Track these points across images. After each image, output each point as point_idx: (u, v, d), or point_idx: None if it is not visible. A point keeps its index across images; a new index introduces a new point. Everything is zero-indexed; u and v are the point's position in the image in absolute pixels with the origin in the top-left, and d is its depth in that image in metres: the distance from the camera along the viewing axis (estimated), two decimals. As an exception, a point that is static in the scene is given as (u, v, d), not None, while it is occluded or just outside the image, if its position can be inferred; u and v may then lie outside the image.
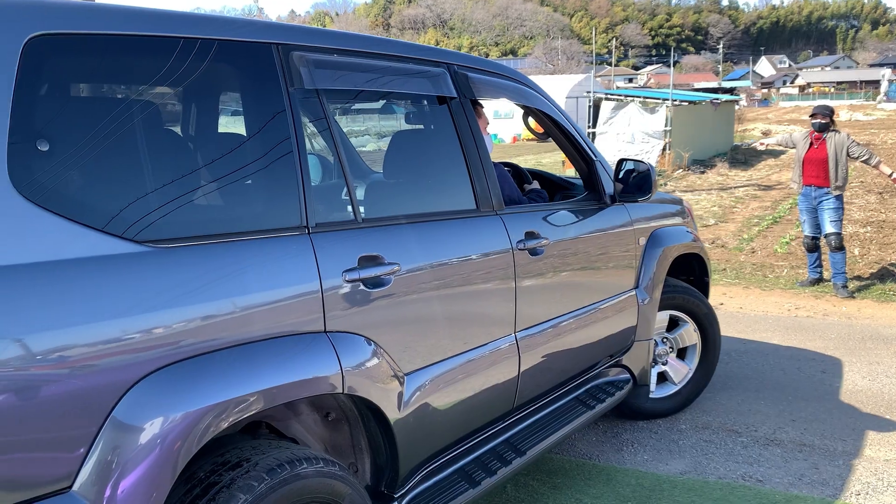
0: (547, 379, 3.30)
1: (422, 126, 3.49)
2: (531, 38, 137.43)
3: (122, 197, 1.86)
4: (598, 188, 3.69)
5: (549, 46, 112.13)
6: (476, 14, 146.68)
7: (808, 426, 4.18)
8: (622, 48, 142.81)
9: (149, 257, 1.81)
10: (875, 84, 73.11)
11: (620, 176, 3.76)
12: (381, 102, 4.08)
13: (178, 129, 2.51)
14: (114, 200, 1.84)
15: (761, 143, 8.62)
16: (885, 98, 53.87)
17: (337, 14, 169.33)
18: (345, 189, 2.41)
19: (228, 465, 1.95)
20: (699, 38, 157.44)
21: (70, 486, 1.61)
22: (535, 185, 4.01)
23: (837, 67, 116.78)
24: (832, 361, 5.30)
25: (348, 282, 2.23)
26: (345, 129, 2.94)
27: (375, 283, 2.31)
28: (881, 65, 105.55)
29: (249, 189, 2.17)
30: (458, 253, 2.68)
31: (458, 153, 2.87)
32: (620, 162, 3.83)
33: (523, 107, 3.57)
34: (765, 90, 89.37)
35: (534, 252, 3.04)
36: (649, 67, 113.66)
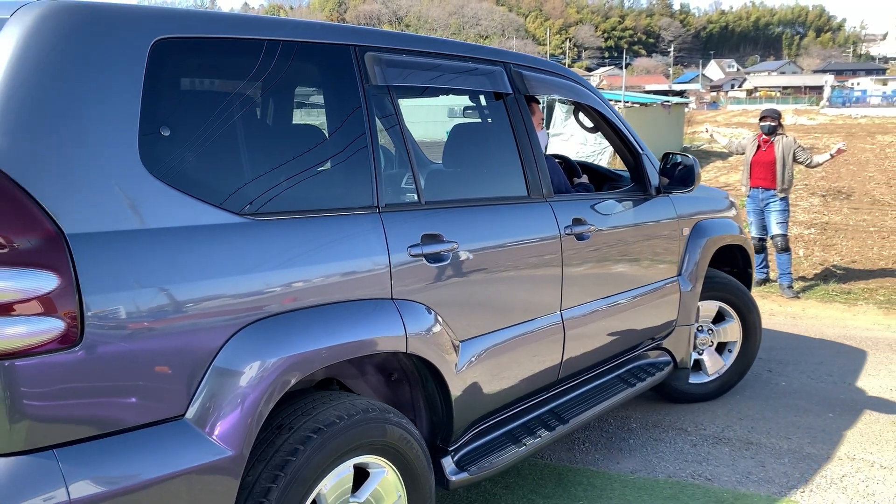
0: (590, 355, 3.52)
1: (479, 119, 3.74)
2: (486, 37, 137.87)
3: (227, 176, 2.20)
4: (644, 180, 3.91)
5: (504, 46, 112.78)
6: (432, 12, 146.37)
7: (754, 424, 4.26)
8: (576, 49, 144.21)
9: (248, 228, 2.13)
10: (818, 90, 75.37)
11: (666, 169, 3.97)
12: (444, 97, 4.35)
13: (270, 120, 2.81)
14: (221, 179, 2.17)
15: (706, 130, 8.97)
16: (827, 103, 55.54)
17: (291, 8, 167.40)
18: (410, 175, 2.73)
19: (310, 407, 2.29)
20: (651, 41, 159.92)
21: (183, 415, 1.94)
22: (584, 178, 4.26)
23: (783, 73, 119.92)
24: (778, 361, 5.43)
25: (412, 256, 2.53)
26: (410, 122, 3.28)
27: (436, 258, 2.61)
28: (824, 71, 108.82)
29: (330, 173, 2.50)
30: (509, 235, 2.98)
31: (512, 144, 3.14)
32: (666, 156, 4.04)
33: (574, 103, 3.86)
34: (713, 93, 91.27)
35: (580, 237, 3.30)
36: (602, 69, 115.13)
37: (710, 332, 4.61)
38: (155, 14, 2.08)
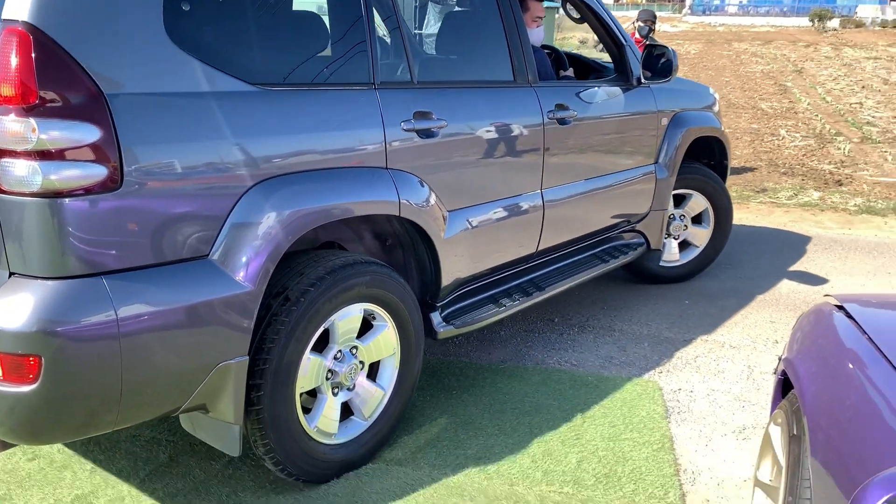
0: (566, 232, 3.83)
1: (470, 8, 3.96)
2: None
3: (241, 49, 2.49)
4: (627, 70, 4.13)
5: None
6: None
7: (617, 313, 4.46)
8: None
9: (260, 96, 2.41)
10: (682, -3, 77.30)
11: (648, 60, 4.16)
12: None
13: (279, 2, 2.97)
14: (236, 51, 2.45)
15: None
16: (689, 11, 57.21)
17: None
18: (404, 56, 2.96)
19: (320, 257, 2.65)
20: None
21: (207, 255, 2.26)
22: (570, 72, 4.50)
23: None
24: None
25: (405, 130, 2.81)
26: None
27: (426, 133, 2.89)
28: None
29: (333, 50, 2.77)
30: (495, 116, 3.24)
31: (501, 32, 3.37)
32: (647, 48, 4.22)
33: None
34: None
35: (562, 122, 3.55)
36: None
37: (683, 219, 4.89)
38: None
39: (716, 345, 4.06)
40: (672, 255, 4.92)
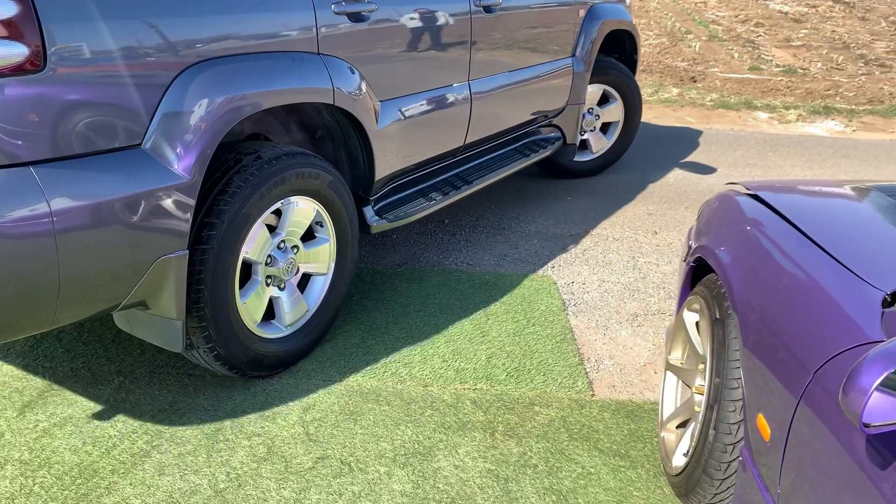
0: (492, 123, 3.88)
1: None
2: None
3: None
4: None
5: None
6: None
7: (504, 212, 4.47)
8: None
9: None
10: None
11: None
12: None
13: None
14: None
15: None
16: None
17: None
18: None
19: (247, 151, 2.53)
20: None
21: (139, 144, 2.13)
22: None
23: None
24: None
25: (335, 13, 2.73)
26: None
27: (357, 17, 2.82)
28: None
29: None
30: (424, 1, 3.17)
31: None
32: None
33: None
34: None
35: (488, 10, 3.57)
36: None
37: (595, 114, 4.99)
38: None
39: (601, 238, 4.18)
40: (601, 144, 5.09)
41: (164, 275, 2.22)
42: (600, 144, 5.11)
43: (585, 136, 5.04)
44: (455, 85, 3.48)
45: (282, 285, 2.74)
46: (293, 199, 2.66)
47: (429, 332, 3.10)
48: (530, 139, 4.43)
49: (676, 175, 5.32)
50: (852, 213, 2.11)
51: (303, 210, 2.72)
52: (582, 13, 4.45)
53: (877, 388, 1.20)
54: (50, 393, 2.61)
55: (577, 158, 5.00)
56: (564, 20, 4.32)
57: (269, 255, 2.66)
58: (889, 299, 1.54)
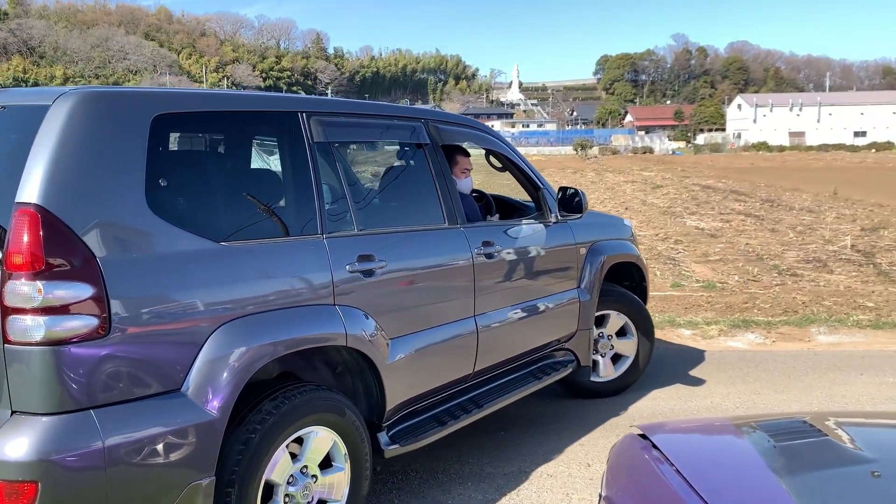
0: (499, 352, 4.27)
1: (405, 163, 4.37)
2: (136, 72, 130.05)
3: (207, 214, 2.96)
4: (544, 209, 4.80)
5: (157, 82, 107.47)
6: (71, 43, 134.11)
7: (440, 453, 4.39)
8: (235, 87, 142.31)
9: (223, 251, 2.84)
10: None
11: (563, 199, 4.79)
12: (377, 148, 5.25)
13: (240, 170, 3.48)
14: (203, 216, 2.93)
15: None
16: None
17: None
18: (348, 210, 3.43)
19: (276, 390, 2.99)
20: (309, 82, 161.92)
21: (179, 388, 2.63)
22: (496, 217, 5.02)
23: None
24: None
25: (350, 272, 3.26)
26: (352, 165, 4.27)
27: (369, 273, 3.35)
28: (465, 115, 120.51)
29: (286, 206, 3.24)
30: (429, 255, 3.79)
31: (431, 184, 3.96)
32: (560, 189, 4.87)
33: (484, 148, 4.70)
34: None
35: (489, 256, 4.10)
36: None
37: (610, 338, 5.40)
38: (154, 96, 2.87)
39: (535, 476, 4.18)
40: (609, 370, 5.37)
41: (194, 497, 2.60)
42: (607, 371, 5.40)
43: (607, 359, 5.37)
44: (461, 320, 3.90)
45: None
46: (313, 428, 3.03)
47: None
48: (544, 362, 4.77)
49: (609, 401, 5.42)
50: (733, 455, 2.25)
51: (319, 437, 3.07)
52: (583, 251, 4.99)
53: None
54: None
55: (594, 378, 5.31)
56: (565, 258, 4.84)
57: (291, 476, 2.99)
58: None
